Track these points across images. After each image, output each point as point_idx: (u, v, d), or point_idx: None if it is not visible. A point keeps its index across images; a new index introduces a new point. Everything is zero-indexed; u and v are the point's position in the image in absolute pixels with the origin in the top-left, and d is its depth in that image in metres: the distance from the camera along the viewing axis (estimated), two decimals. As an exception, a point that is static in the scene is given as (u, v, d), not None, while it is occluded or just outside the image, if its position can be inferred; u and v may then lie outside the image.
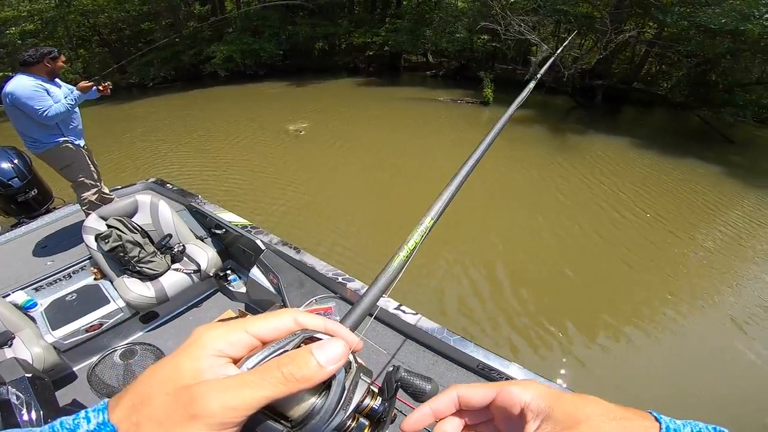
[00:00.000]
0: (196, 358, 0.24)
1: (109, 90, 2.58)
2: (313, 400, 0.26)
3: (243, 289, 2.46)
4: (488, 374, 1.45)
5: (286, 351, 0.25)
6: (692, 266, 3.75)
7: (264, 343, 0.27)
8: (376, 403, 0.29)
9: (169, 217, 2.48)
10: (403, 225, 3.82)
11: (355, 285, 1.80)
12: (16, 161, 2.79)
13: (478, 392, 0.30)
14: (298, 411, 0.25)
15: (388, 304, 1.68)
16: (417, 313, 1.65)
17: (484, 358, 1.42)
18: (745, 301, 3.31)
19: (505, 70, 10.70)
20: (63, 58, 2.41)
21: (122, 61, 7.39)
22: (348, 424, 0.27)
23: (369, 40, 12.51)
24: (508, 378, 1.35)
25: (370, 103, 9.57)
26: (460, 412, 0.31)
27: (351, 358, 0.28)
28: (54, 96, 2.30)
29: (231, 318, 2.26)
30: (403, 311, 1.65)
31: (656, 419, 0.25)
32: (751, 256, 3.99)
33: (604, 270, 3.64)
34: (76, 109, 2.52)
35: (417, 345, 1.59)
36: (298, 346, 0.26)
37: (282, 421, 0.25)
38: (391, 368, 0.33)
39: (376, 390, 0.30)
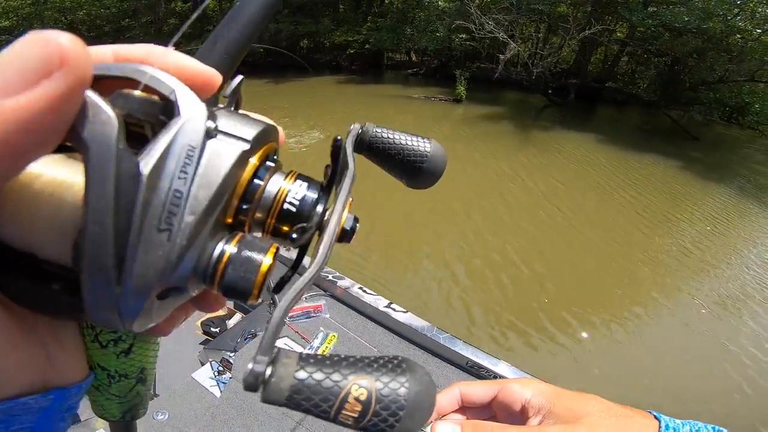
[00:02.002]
0: None
1: None
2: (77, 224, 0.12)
3: None
4: (477, 372, 1.47)
5: None
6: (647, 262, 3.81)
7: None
8: (295, 190, 0.15)
9: None
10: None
11: (345, 283, 1.82)
12: None
13: (480, 389, 0.30)
14: (51, 249, 0.13)
15: (378, 302, 1.71)
16: (407, 311, 1.67)
17: (473, 356, 1.45)
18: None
19: (482, 69, 10.82)
20: None
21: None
22: (210, 251, 0.13)
23: (350, 39, 12.58)
24: (497, 376, 1.40)
25: (341, 100, 9.67)
26: (462, 409, 0.31)
27: (173, 92, 0.13)
28: None
29: (219, 316, 2.17)
30: (393, 309, 1.67)
31: (656, 418, 0.26)
32: (690, 248, 4.11)
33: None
34: None
35: (407, 343, 1.62)
36: None
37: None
38: (352, 126, 0.20)
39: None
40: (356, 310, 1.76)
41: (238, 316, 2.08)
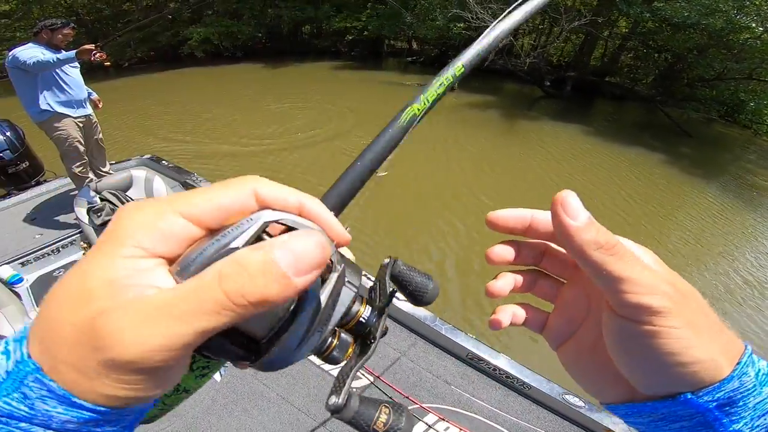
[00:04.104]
0: (111, 261, 0.16)
1: (104, 57, 2.46)
2: (280, 316, 0.19)
3: None
4: (477, 364, 1.47)
5: (236, 249, 0.17)
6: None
7: (210, 232, 0.18)
8: (365, 313, 0.23)
9: (163, 193, 2.43)
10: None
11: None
12: (8, 134, 2.84)
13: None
14: (257, 330, 0.19)
15: None
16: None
17: (474, 348, 1.45)
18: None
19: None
20: (66, 30, 2.40)
21: (99, 41, 7.45)
22: (328, 341, 0.21)
23: (349, 25, 12.46)
24: (496, 369, 1.38)
25: (336, 86, 9.71)
26: (517, 245, 0.27)
27: (333, 254, 0.20)
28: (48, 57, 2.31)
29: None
30: (397, 297, 1.72)
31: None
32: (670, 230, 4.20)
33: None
34: (71, 80, 2.48)
35: (408, 332, 1.61)
36: (257, 239, 0.17)
37: (236, 341, 0.19)
38: (387, 260, 0.27)
39: (365, 296, 0.24)
40: None
41: None
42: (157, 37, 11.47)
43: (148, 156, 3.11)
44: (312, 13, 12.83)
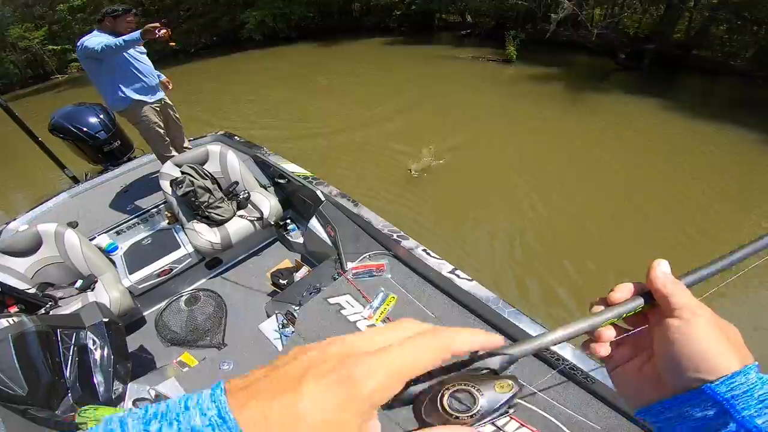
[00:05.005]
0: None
1: (168, 35, 2.32)
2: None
3: (300, 240, 2.49)
4: (539, 352, 1.36)
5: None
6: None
7: None
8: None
9: (236, 166, 2.55)
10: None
11: (410, 243, 1.73)
12: (102, 116, 3.15)
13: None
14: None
15: (442, 266, 1.60)
16: (472, 279, 1.54)
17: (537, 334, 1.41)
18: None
19: (539, 31, 9.98)
20: (129, 18, 2.40)
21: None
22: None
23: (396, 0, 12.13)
24: (560, 359, 1.28)
25: (387, 62, 9.66)
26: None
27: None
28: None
29: (288, 268, 2.24)
30: (458, 275, 1.56)
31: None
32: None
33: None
34: (144, 67, 2.54)
35: (467, 312, 1.52)
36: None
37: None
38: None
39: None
40: (418, 273, 1.69)
41: (305, 269, 2.15)
42: (218, 22, 11.96)
43: (222, 132, 3.26)
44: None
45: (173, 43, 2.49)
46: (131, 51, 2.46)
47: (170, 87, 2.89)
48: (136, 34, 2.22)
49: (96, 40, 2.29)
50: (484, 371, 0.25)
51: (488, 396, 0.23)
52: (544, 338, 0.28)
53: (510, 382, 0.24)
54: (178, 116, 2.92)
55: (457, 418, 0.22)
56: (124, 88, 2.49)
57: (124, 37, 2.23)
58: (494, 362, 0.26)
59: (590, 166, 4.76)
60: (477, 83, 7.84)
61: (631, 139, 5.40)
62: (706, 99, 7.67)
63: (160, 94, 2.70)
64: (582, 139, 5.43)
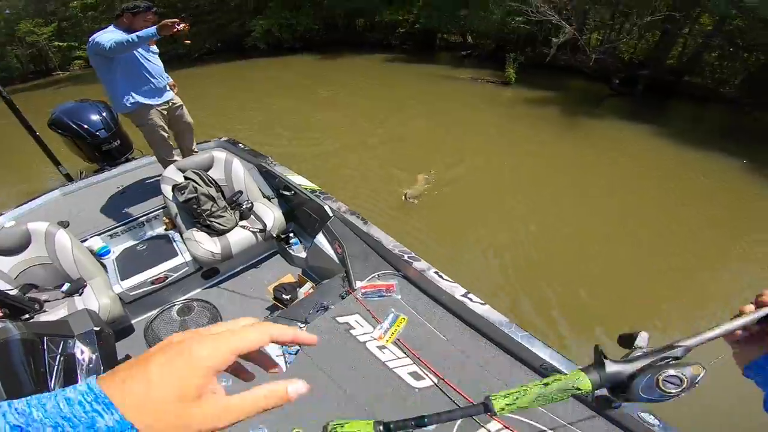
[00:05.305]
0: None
1: (187, 28, 2.18)
2: None
3: (303, 254, 2.40)
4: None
5: None
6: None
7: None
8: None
9: (241, 175, 2.47)
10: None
11: (421, 265, 1.69)
12: (104, 114, 3.07)
13: None
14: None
15: (454, 289, 1.58)
16: (485, 303, 1.52)
17: (550, 359, 1.34)
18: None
19: (540, 54, 10.27)
20: (149, 16, 2.29)
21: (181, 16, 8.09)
22: None
23: (401, 17, 12.39)
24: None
25: (383, 78, 9.80)
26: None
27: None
28: None
29: (291, 283, 2.18)
30: (470, 299, 1.54)
31: None
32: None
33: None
34: (154, 68, 2.44)
35: (479, 336, 1.50)
36: None
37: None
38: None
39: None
40: (428, 295, 1.65)
41: (308, 285, 2.08)
42: (226, 28, 12.09)
43: (226, 138, 3.18)
44: (362, 2, 12.86)
45: (188, 41, 2.35)
46: (143, 51, 2.37)
47: (175, 91, 2.78)
48: (152, 29, 2.10)
49: (108, 36, 2.19)
50: (670, 360, 0.36)
51: (689, 375, 0.35)
52: (711, 332, 0.38)
53: (700, 364, 0.35)
54: (189, 117, 2.78)
55: (671, 393, 0.35)
56: (131, 91, 2.39)
57: (138, 32, 2.12)
58: (677, 353, 0.37)
59: (585, 190, 4.83)
60: (476, 103, 7.99)
61: (625, 165, 5.52)
62: (695, 125, 7.92)
63: (168, 95, 2.60)
64: (577, 164, 5.53)
